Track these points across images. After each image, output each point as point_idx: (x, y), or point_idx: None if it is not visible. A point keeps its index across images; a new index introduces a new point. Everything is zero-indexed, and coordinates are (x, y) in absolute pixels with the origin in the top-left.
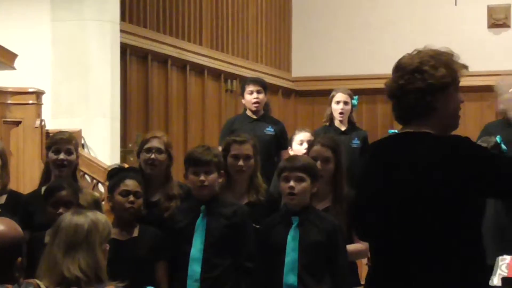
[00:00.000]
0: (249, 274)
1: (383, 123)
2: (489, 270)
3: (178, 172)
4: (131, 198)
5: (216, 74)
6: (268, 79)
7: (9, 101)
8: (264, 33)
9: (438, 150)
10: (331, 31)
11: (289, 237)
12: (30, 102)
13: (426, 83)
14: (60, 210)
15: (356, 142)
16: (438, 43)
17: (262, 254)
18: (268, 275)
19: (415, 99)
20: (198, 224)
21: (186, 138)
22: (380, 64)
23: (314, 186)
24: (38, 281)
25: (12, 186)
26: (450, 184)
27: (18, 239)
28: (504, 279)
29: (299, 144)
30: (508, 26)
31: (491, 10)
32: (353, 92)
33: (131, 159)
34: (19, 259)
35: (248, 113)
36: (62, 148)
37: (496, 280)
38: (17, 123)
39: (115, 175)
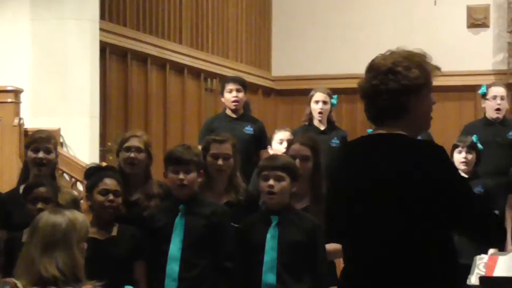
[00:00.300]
0: (228, 274)
1: (362, 123)
2: (466, 269)
3: (157, 171)
4: (111, 197)
5: (196, 73)
6: (248, 78)
7: None
8: (244, 32)
9: (411, 158)
10: (311, 30)
11: (268, 236)
12: (9, 100)
13: (400, 84)
14: (39, 206)
15: (335, 142)
16: (418, 43)
17: (241, 254)
18: (247, 275)
19: (388, 100)
20: (176, 224)
21: (166, 137)
22: (359, 63)
23: (293, 185)
24: (15, 280)
25: None
26: (421, 192)
27: None
28: (482, 278)
29: (278, 143)
30: (487, 26)
31: (470, 10)
32: (333, 92)
33: (110, 158)
34: None
35: (228, 112)
36: (41, 146)
37: (474, 279)
38: None
39: (93, 174)
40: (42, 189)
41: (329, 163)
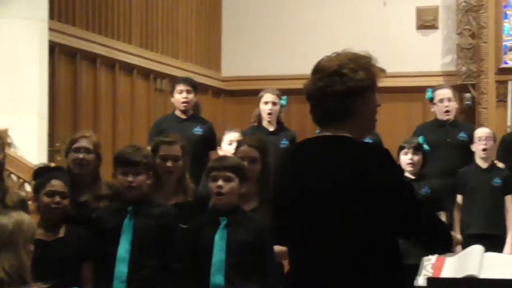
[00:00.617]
0: (177, 275)
1: (312, 124)
2: (414, 270)
3: (106, 172)
4: (57, 199)
5: (146, 73)
6: (198, 79)
7: None
8: (194, 33)
9: (357, 161)
10: (261, 31)
11: (217, 237)
12: None
13: (346, 86)
14: None
15: (284, 143)
16: (367, 44)
17: (190, 255)
18: (196, 276)
19: (334, 102)
20: (125, 225)
21: (115, 138)
22: (309, 64)
23: (242, 186)
24: None
25: None
26: (365, 196)
27: None
28: (430, 279)
29: (228, 144)
30: (436, 28)
31: (419, 11)
32: (284, 92)
33: (58, 158)
34: None
35: (177, 113)
36: None
37: (421, 281)
38: None
39: (41, 174)
40: None
41: (276, 164)
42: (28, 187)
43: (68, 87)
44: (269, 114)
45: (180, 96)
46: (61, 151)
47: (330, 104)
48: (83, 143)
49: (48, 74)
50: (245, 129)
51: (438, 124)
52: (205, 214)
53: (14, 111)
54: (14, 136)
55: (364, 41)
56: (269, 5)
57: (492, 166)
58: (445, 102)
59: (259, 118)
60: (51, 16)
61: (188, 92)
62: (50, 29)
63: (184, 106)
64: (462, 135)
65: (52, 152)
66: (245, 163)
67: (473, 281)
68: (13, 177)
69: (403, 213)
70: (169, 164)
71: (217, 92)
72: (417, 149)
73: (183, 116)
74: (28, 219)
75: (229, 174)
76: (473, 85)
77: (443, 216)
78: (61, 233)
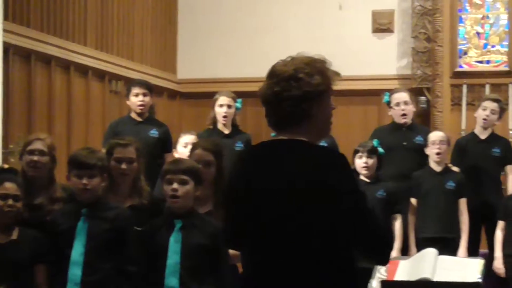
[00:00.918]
0: (131, 278)
1: (268, 127)
2: (368, 273)
3: (61, 174)
4: (10, 201)
5: (101, 75)
6: (154, 81)
7: None
8: (150, 35)
9: (312, 166)
10: (217, 34)
11: (172, 240)
12: None
13: (302, 91)
14: None
15: (239, 145)
16: (323, 47)
17: (144, 258)
18: (151, 279)
19: (290, 106)
20: (79, 228)
21: (70, 140)
22: (265, 67)
23: (197, 189)
24: None
25: None
26: (318, 200)
27: None
28: (383, 282)
29: (183, 146)
30: (392, 31)
31: (375, 15)
32: (239, 95)
33: (12, 160)
34: None
35: (133, 115)
36: None
37: (375, 284)
38: None
39: None
40: None
41: (231, 167)
42: None
43: (22, 89)
44: (224, 117)
45: (136, 99)
46: (15, 153)
47: (286, 108)
48: (38, 145)
49: (2, 75)
50: (201, 131)
51: (395, 127)
52: (160, 216)
53: None
54: None
55: (319, 44)
56: (225, 8)
57: (446, 170)
58: (401, 106)
59: (214, 121)
60: (5, 17)
61: (144, 95)
62: (4, 30)
63: (140, 109)
64: (418, 139)
65: (5, 154)
66: (200, 166)
67: (426, 284)
68: None
69: (353, 221)
70: (123, 166)
71: (173, 95)
72: (372, 152)
73: (139, 119)
74: None
75: (184, 177)
76: (428, 89)
77: (399, 219)
78: (15, 235)
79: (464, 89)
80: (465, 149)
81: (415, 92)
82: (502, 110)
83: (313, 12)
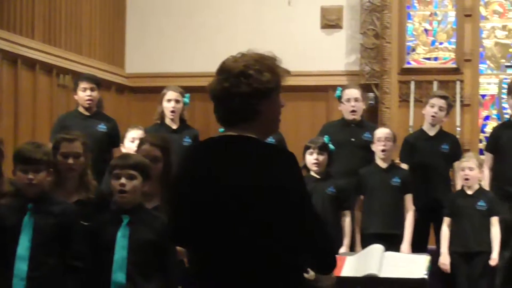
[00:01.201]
0: (78, 273)
1: (216, 122)
2: None
3: (8, 168)
4: None
5: (48, 68)
6: (102, 75)
7: None
8: (98, 28)
9: (260, 164)
10: (165, 28)
11: (119, 235)
12: None
13: (252, 88)
14: None
15: (187, 141)
16: (272, 43)
17: (91, 253)
18: (97, 274)
19: (239, 102)
20: (25, 223)
21: (17, 134)
22: (213, 62)
23: (145, 184)
24: None
25: None
26: (265, 200)
27: None
28: None
29: (131, 141)
30: (341, 27)
31: (324, 11)
32: (187, 90)
33: None
34: None
35: (81, 109)
36: None
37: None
38: None
39: None
40: None
41: (178, 162)
42: None
43: None
44: (172, 111)
45: (84, 94)
46: None
47: (234, 104)
48: None
49: None
50: (148, 126)
51: (344, 123)
52: (108, 211)
53: None
54: None
55: (268, 40)
56: (173, 2)
57: (392, 166)
58: (351, 102)
59: (162, 116)
60: None
61: (92, 89)
62: None
63: (88, 104)
64: (367, 135)
65: None
66: (148, 161)
67: (373, 280)
68: None
69: (298, 220)
70: (70, 161)
71: (121, 89)
72: (323, 149)
73: (87, 113)
74: None
75: (132, 172)
76: (376, 85)
77: (348, 216)
78: None
79: (412, 85)
80: (414, 146)
81: (363, 89)
82: (450, 107)
83: (261, 8)
